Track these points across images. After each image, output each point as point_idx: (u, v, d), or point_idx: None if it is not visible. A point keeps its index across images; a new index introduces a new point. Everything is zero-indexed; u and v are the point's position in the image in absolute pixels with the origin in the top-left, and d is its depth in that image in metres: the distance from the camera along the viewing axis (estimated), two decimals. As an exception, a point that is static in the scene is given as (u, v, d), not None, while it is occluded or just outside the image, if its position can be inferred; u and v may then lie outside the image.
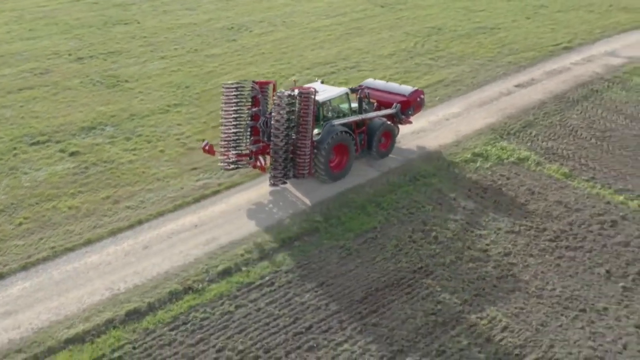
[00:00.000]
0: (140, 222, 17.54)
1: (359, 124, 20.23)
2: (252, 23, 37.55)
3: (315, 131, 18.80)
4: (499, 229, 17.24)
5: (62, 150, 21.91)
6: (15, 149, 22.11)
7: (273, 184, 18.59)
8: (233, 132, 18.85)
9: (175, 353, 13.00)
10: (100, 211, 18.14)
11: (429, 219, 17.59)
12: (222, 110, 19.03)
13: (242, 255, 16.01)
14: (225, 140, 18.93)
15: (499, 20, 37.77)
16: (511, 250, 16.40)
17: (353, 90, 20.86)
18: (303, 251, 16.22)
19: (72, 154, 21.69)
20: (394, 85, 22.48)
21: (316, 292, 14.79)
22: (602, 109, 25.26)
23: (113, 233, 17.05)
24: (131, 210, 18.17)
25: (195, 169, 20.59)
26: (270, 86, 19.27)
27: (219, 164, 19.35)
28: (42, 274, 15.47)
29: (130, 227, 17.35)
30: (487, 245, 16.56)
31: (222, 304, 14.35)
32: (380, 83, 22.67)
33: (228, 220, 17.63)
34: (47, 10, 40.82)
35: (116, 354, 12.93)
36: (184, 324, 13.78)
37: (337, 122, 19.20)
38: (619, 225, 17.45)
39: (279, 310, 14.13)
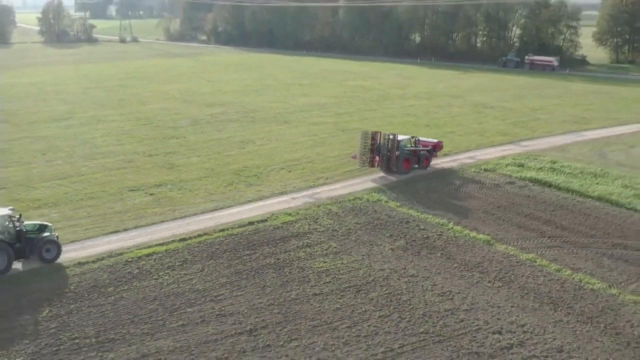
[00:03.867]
0: (187, 216, 37.89)
1: (414, 152, 46.45)
2: (256, 139, 59.34)
3: (397, 153, 44.51)
4: (353, 222, 37.14)
5: (145, 193, 42.61)
6: (121, 193, 42.92)
7: (383, 171, 46.19)
8: (362, 150, 45.09)
9: (233, 246, 32.94)
10: (166, 214, 38.45)
11: (322, 220, 37.68)
12: (360, 142, 45.72)
13: (249, 220, 36.16)
14: (360, 153, 45.55)
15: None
16: (351, 229, 36.22)
17: (412, 137, 47.14)
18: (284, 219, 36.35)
19: (150, 194, 42.39)
20: (429, 139, 49.60)
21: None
22: (439, 182, 45.50)
23: (174, 219, 37.41)
24: (181, 212, 38.56)
25: (213, 201, 41.15)
26: (380, 133, 45.61)
27: (358, 164, 46.17)
28: (141, 229, 35.76)
29: (182, 217, 37.63)
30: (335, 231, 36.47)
31: (255, 229, 34.39)
32: (423, 138, 49.24)
33: (229, 218, 37.92)
34: (126, 129, 63.45)
35: (201, 240, 32.92)
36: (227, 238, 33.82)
37: (405, 149, 45.50)
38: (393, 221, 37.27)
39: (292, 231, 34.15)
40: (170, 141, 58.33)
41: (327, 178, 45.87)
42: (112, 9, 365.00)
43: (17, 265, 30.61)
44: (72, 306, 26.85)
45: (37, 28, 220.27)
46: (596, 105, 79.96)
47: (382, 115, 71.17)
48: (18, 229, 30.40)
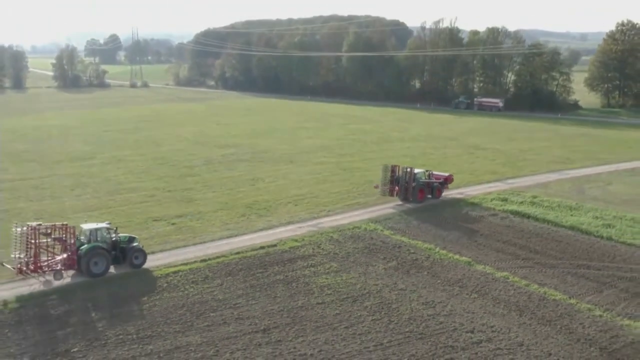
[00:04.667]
0: (206, 242, 43.12)
1: (428, 184, 52.60)
2: (265, 177, 64.87)
3: (413, 184, 48.94)
4: (352, 247, 42.34)
5: (167, 223, 47.91)
6: (146, 222, 48.24)
7: (401, 200, 52.46)
8: (383, 181, 50.45)
9: (247, 266, 38.12)
10: (187, 240, 43.71)
11: (325, 245, 42.91)
12: (381, 174, 52.60)
13: (260, 245, 41.39)
14: (381, 184, 52.00)
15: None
16: (350, 252, 41.40)
17: (426, 171, 52.86)
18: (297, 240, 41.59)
19: (172, 224, 47.71)
20: (441, 173, 55.94)
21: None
22: (430, 214, 50.74)
23: (194, 244, 42.64)
24: (200, 239, 43.81)
25: (228, 229, 46.47)
26: (399, 166, 51.69)
27: (379, 193, 52.92)
28: (169, 252, 41.01)
29: (201, 243, 42.92)
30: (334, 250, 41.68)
31: (266, 252, 39.61)
32: (436, 172, 55.05)
33: (243, 243, 43.17)
34: (145, 168, 69.16)
35: (219, 261, 38.14)
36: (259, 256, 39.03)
37: (420, 181, 51.70)
38: (388, 243, 42.44)
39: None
40: (187, 179, 63.90)
41: (329, 210, 51.22)
42: (121, 55, 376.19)
43: (112, 270, 37.21)
44: (114, 311, 31.97)
45: (50, 73, 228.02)
46: (582, 147, 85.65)
47: (381, 157, 76.47)
48: (114, 239, 37.26)
